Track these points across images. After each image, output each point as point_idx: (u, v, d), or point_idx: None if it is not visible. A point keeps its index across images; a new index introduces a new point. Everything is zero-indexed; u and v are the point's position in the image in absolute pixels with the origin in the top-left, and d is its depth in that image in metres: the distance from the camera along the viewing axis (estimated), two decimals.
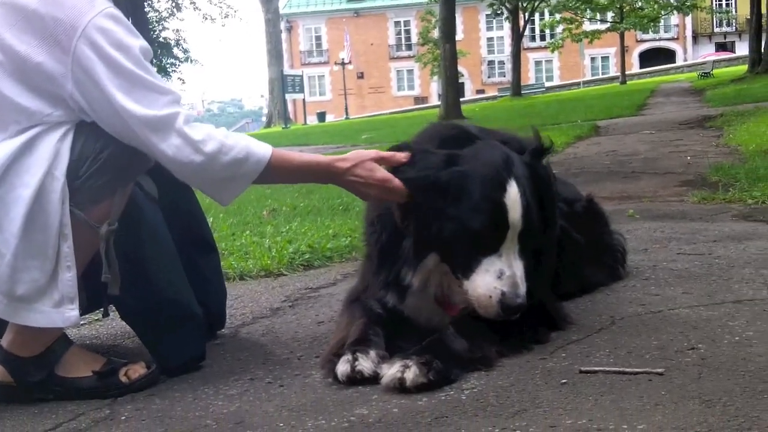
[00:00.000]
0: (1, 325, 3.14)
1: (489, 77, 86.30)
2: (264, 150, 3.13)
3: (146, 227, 3.30)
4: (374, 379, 2.86)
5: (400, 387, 2.78)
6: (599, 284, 4.09)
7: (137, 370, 3.19)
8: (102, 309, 3.44)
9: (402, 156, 3.15)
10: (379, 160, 3.17)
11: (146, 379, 3.18)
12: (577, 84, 67.38)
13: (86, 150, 2.97)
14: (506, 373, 2.91)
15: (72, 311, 2.97)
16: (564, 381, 2.76)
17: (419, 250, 3.10)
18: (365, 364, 2.88)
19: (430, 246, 3.08)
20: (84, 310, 3.39)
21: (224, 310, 3.89)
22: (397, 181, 3.08)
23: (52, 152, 2.91)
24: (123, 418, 2.87)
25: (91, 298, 3.25)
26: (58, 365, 3.13)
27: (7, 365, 3.12)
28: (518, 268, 2.96)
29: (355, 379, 2.87)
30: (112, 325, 4.17)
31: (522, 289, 2.94)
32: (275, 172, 3.15)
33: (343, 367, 2.87)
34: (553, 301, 3.52)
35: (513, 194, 2.95)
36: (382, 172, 3.12)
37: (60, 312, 2.96)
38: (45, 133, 2.94)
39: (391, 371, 2.81)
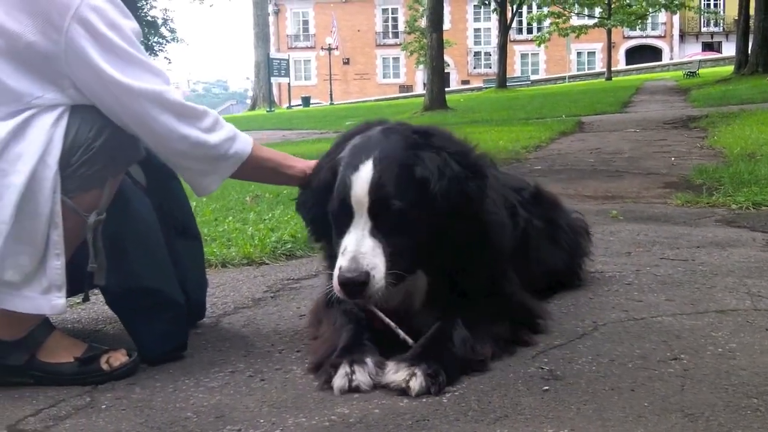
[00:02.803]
0: None
1: (474, 68, 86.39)
2: (248, 137, 3.30)
3: (132, 215, 3.29)
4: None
5: (402, 392, 2.78)
6: (563, 266, 4.08)
7: (118, 358, 3.17)
8: (83, 294, 3.42)
9: None
10: None
11: (127, 368, 3.16)
12: (563, 78, 67.51)
13: (79, 138, 2.96)
14: (488, 376, 2.91)
15: (59, 299, 2.97)
16: (546, 388, 2.76)
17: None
18: (362, 378, 2.83)
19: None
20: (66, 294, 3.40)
21: (204, 300, 3.88)
22: None
23: (45, 139, 2.89)
24: (103, 406, 2.85)
25: (72, 282, 3.23)
26: (39, 350, 3.11)
27: None
28: (364, 244, 2.90)
29: (351, 391, 2.83)
30: (93, 310, 4.15)
31: (359, 264, 2.85)
32: (255, 161, 3.30)
33: (340, 382, 2.82)
34: (527, 299, 3.47)
35: (362, 173, 2.94)
36: None
37: (47, 299, 2.95)
38: (37, 118, 2.91)
39: (396, 379, 2.80)
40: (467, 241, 3.07)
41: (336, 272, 2.90)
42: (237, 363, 3.25)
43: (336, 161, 3.11)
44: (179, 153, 3.13)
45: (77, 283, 3.17)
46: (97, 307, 4.11)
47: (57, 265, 2.95)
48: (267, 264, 5.36)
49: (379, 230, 2.92)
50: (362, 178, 2.93)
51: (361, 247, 2.89)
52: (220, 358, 3.34)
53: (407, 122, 3.46)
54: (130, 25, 3.04)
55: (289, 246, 5.64)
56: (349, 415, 2.63)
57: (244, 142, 3.27)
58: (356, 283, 2.85)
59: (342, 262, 2.89)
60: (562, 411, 2.57)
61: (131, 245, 3.27)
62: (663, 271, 4.48)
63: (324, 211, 3.11)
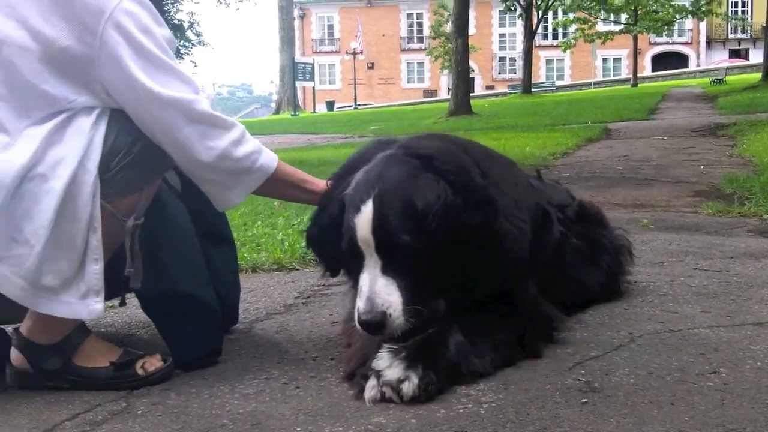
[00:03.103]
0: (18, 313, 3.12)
1: (499, 73, 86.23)
2: (272, 152, 3.29)
3: (168, 219, 3.30)
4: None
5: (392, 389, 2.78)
6: (601, 286, 4.03)
7: (153, 363, 3.18)
8: (119, 298, 3.42)
9: None
10: None
11: (162, 373, 3.17)
12: (588, 84, 67.30)
13: (119, 143, 2.96)
14: (524, 388, 2.88)
15: (97, 303, 2.97)
16: (584, 400, 2.73)
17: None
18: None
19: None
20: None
21: (238, 305, 3.89)
22: None
23: (85, 143, 2.89)
24: (139, 412, 2.85)
25: (107, 286, 3.23)
26: (75, 354, 3.12)
27: (25, 352, 3.11)
28: (377, 284, 2.91)
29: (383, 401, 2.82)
30: (127, 314, 4.16)
31: (374, 304, 2.87)
32: (280, 177, 3.31)
33: (371, 393, 2.81)
34: (545, 309, 3.43)
35: (364, 214, 2.92)
36: None
37: (85, 304, 2.95)
38: (74, 121, 2.92)
39: (389, 376, 2.80)
40: (478, 254, 3.05)
41: (355, 313, 2.94)
42: (271, 370, 3.25)
43: (341, 197, 3.11)
44: (204, 165, 3.10)
45: (112, 287, 3.17)
46: (130, 311, 4.12)
47: (95, 269, 2.95)
48: (297, 269, 5.36)
49: (390, 267, 2.92)
50: (365, 219, 2.92)
51: (374, 287, 2.91)
52: (255, 364, 3.34)
53: (421, 138, 3.45)
54: (162, 31, 3.05)
55: None
56: (386, 425, 2.62)
57: (270, 157, 3.26)
58: (374, 324, 2.87)
59: (359, 303, 2.92)
60: (601, 424, 2.54)
61: (166, 249, 3.28)
62: (697, 282, 4.45)
63: (335, 248, 3.12)
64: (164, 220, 3.28)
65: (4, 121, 2.88)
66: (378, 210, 2.91)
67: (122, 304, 3.42)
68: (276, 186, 3.34)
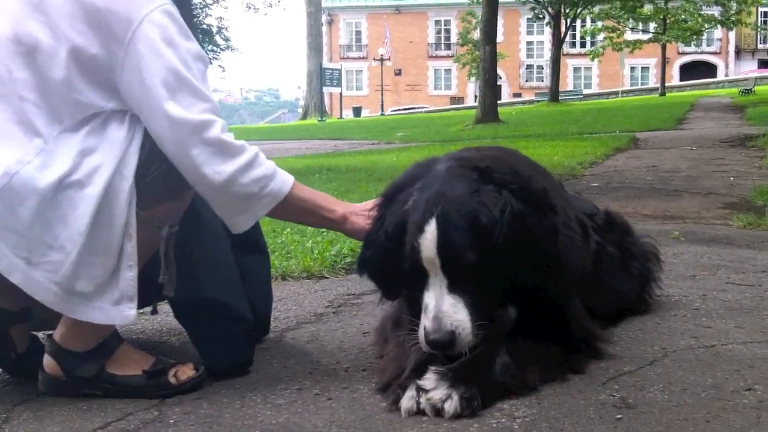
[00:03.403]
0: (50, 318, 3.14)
1: (527, 81, 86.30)
2: (288, 176, 3.21)
3: (202, 228, 3.31)
4: None
5: (437, 411, 2.75)
6: (633, 294, 4.02)
7: (186, 372, 3.18)
8: (150, 306, 3.43)
9: None
10: None
11: (194, 382, 3.17)
12: (616, 93, 67.16)
13: (156, 151, 2.97)
14: (558, 402, 2.86)
15: (130, 310, 2.98)
16: (619, 416, 2.70)
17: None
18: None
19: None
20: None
21: (270, 315, 3.89)
22: None
23: (121, 150, 2.92)
24: (171, 421, 2.85)
25: (139, 295, 3.24)
26: (108, 362, 3.13)
27: (58, 359, 3.12)
28: (444, 303, 2.89)
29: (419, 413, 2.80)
30: (158, 321, 4.17)
31: (442, 323, 2.86)
32: (293, 202, 3.21)
33: (407, 404, 2.79)
34: (589, 324, 3.40)
35: (428, 233, 2.89)
36: None
37: (118, 310, 2.96)
38: (110, 128, 2.95)
39: (433, 397, 2.76)
40: (541, 262, 3.01)
41: (422, 331, 2.91)
42: (303, 380, 3.24)
43: (400, 215, 3.06)
44: (211, 187, 3.05)
45: (144, 295, 3.18)
46: (161, 319, 4.13)
47: (129, 276, 2.97)
48: (327, 278, 5.36)
49: (456, 285, 2.90)
50: (429, 240, 2.89)
51: (442, 306, 2.89)
52: (286, 374, 3.33)
53: (470, 150, 3.44)
54: (189, 45, 3.03)
55: (348, 260, 5.62)
56: None
57: (281, 182, 3.15)
58: (444, 344, 2.86)
59: (426, 322, 2.90)
60: None
61: (200, 257, 3.29)
62: (730, 297, 4.41)
63: (394, 269, 3.08)
64: (198, 227, 3.29)
65: (39, 126, 2.89)
66: (442, 229, 2.89)
67: (154, 312, 3.43)
68: (290, 211, 3.26)
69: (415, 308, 3.05)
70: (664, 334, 3.72)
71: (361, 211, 3.33)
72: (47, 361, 3.14)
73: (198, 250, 3.29)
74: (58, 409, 3.00)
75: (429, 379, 2.81)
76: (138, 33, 2.90)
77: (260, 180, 3.07)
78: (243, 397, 3.07)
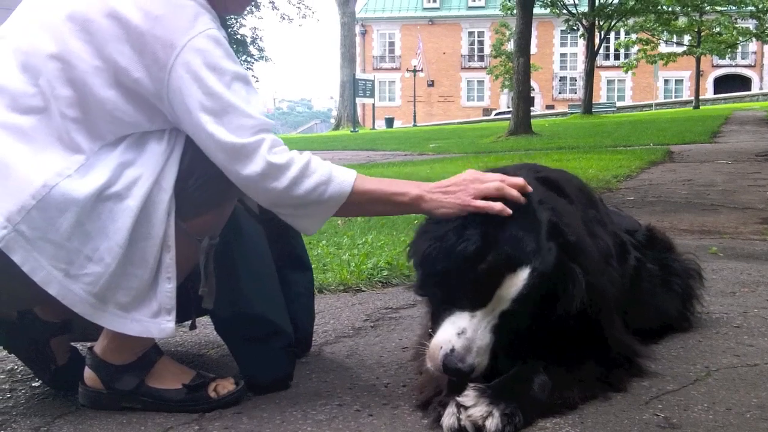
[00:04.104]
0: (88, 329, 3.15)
1: (560, 93, 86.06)
2: (348, 173, 3.09)
3: (244, 241, 3.31)
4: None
5: (478, 429, 2.73)
6: (675, 311, 4.00)
7: (226, 386, 3.17)
8: (189, 321, 3.43)
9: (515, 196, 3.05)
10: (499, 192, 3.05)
11: (234, 396, 3.16)
12: (649, 106, 66.80)
13: (195, 163, 2.98)
14: (601, 422, 2.84)
15: (169, 322, 2.98)
16: None
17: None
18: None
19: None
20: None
21: (312, 331, 3.89)
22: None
23: (160, 162, 2.92)
24: None
25: (178, 309, 3.24)
26: (148, 375, 3.13)
27: (98, 371, 3.13)
28: (482, 337, 2.86)
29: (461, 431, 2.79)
30: (197, 334, 4.16)
31: (471, 358, 2.82)
32: (360, 198, 3.09)
33: (449, 420, 2.77)
34: (629, 342, 3.37)
35: (518, 279, 2.85)
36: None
37: (156, 323, 2.96)
38: (149, 140, 2.95)
39: (474, 414, 2.74)
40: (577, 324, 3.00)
41: (444, 349, 2.84)
42: (343, 396, 3.23)
43: (488, 234, 2.95)
44: (266, 202, 3.07)
45: (183, 310, 3.18)
46: (200, 331, 4.12)
47: (168, 288, 2.97)
48: (363, 291, 5.35)
49: (499, 330, 2.88)
50: (516, 285, 2.85)
51: (480, 341, 2.86)
52: (326, 390, 3.32)
53: (566, 212, 3.22)
54: (234, 68, 3.00)
55: (386, 273, 5.61)
56: None
57: (341, 183, 3.06)
58: (461, 374, 2.82)
59: (455, 344, 2.84)
60: None
61: (242, 271, 3.29)
62: None
63: (451, 277, 2.97)
64: (240, 241, 3.30)
65: (80, 142, 2.89)
66: (530, 284, 2.85)
67: (192, 327, 3.42)
68: (360, 206, 3.17)
69: (437, 320, 3.00)
70: (706, 352, 3.69)
71: (437, 188, 3.15)
72: (87, 373, 3.15)
73: (241, 264, 3.29)
74: (98, 422, 3.00)
75: (469, 396, 2.79)
76: (180, 59, 2.89)
77: (315, 188, 3.01)
78: (283, 412, 3.06)
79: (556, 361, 2.96)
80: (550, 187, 3.24)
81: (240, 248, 3.29)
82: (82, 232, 2.81)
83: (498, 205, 2.97)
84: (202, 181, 2.99)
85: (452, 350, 2.82)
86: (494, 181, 3.04)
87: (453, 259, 2.94)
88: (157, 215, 2.90)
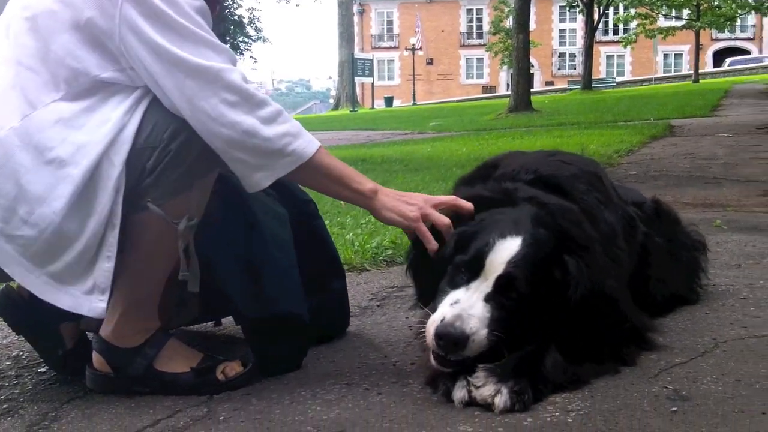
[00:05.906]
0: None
1: (559, 69, 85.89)
2: (315, 140, 3.01)
3: (263, 237, 3.28)
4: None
5: (487, 406, 2.73)
6: (682, 283, 4.01)
7: (234, 368, 3.16)
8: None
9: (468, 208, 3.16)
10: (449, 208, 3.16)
11: (243, 378, 3.15)
12: (649, 80, 66.56)
13: (152, 139, 2.85)
14: (611, 396, 2.83)
15: (101, 302, 2.86)
16: (674, 409, 2.67)
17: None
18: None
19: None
20: (200, 318, 3.39)
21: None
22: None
23: (112, 133, 2.79)
24: (221, 417, 2.84)
25: (205, 307, 3.24)
26: (156, 358, 3.12)
27: (105, 355, 3.12)
28: (477, 307, 2.84)
29: (471, 404, 2.78)
30: None
31: (465, 324, 2.77)
32: (319, 167, 3.02)
33: (460, 393, 2.78)
34: (638, 316, 3.35)
35: (509, 243, 2.89)
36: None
37: (88, 299, 2.85)
38: (103, 107, 2.84)
39: (483, 394, 2.75)
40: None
41: (436, 320, 2.83)
42: (352, 375, 3.23)
43: (475, 233, 3.01)
44: (228, 140, 2.86)
45: (210, 308, 3.16)
46: None
47: (106, 267, 2.84)
48: (368, 270, 5.35)
49: (494, 300, 2.86)
50: (507, 248, 2.88)
51: (472, 309, 2.84)
52: (335, 369, 3.32)
53: (556, 204, 3.26)
54: (190, 1, 2.90)
55: (390, 252, 5.61)
56: None
57: (308, 142, 2.96)
58: (453, 342, 2.78)
59: (447, 313, 2.83)
60: None
61: (266, 270, 3.26)
62: None
63: (440, 262, 3.04)
64: (259, 238, 3.26)
65: (29, 92, 2.82)
66: (523, 251, 2.88)
67: (217, 324, 3.39)
68: (314, 176, 3.06)
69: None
70: (713, 324, 3.68)
71: (394, 193, 3.17)
72: (95, 357, 3.14)
73: (262, 263, 3.26)
74: (107, 407, 3.00)
75: (478, 377, 2.79)
76: None
77: (283, 136, 2.90)
78: (292, 392, 3.05)
79: (566, 339, 2.95)
80: (545, 186, 3.30)
81: (260, 246, 3.26)
82: (21, 192, 2.74)
83: (433, 245, 3.08)
84: (167, 161, 2.85)
85: (443, 319, 2.81)
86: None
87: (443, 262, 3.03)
88: (104, 190, 2.77)
